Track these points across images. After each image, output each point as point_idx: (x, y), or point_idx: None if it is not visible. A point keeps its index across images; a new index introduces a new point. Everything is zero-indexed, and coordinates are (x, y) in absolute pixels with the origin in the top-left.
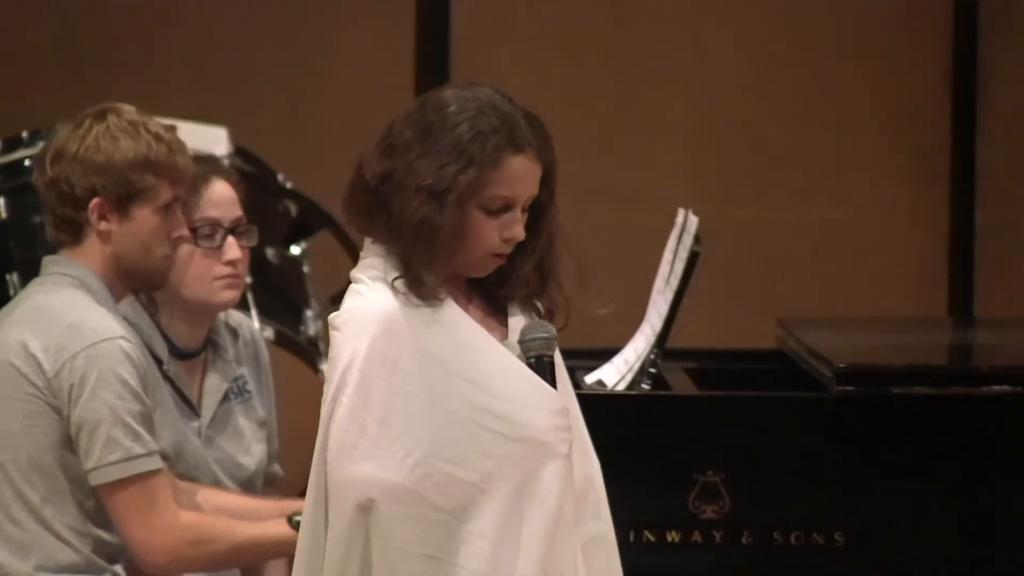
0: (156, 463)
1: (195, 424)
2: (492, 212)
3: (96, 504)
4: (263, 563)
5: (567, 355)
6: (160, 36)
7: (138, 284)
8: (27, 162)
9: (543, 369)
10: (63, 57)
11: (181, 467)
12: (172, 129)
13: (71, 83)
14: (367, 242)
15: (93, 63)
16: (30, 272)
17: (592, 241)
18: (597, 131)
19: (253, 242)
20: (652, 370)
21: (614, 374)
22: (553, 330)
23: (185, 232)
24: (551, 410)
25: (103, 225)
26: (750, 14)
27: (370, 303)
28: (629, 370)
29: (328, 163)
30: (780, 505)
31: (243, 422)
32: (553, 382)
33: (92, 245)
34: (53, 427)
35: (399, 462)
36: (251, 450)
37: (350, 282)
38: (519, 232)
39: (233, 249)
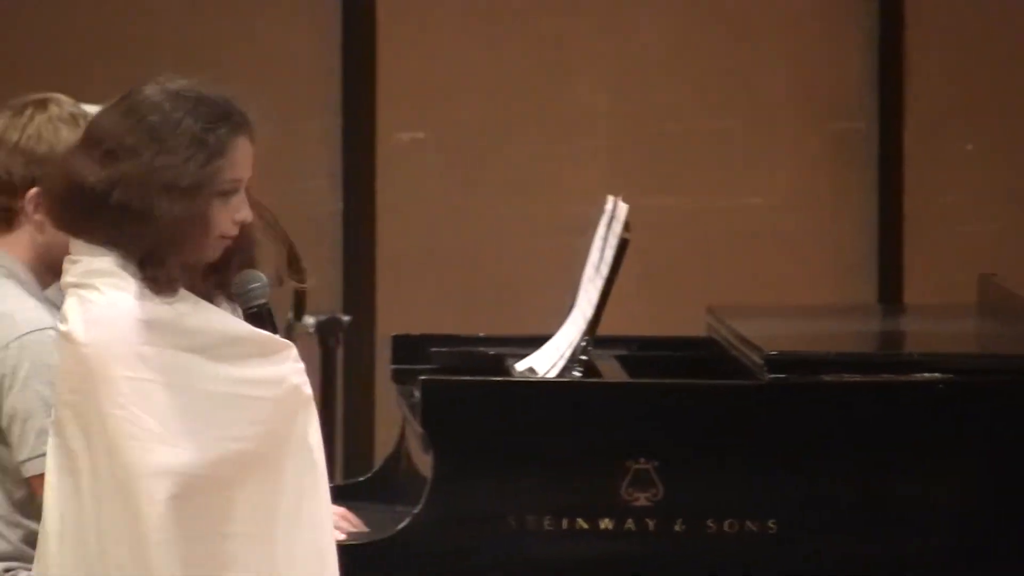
0: None
1: None
2: (225, 196)
3: (26, 494)
4: None
5: (499, 342)
6: (81, 21)
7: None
8: None
9: (263, 317)
10: None
11: None
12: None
13: None
14: (76, 246)
15: (8, 47)
16: None
17: (519, 229)
18: (521, 118)
19: None
20: (583, 357)
21: (545, 361)
22: (264, 278)
23: None
24: (292, 357)
25: (39, 216)
26: (670, 1)
27: (111, 306)
28: (560, 357)
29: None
30: (713, 492)
31: None
32: (276, 326)
33: (24, 235)
34: None
35: (192, 453)
36: None
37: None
38: (247, 213)
39: None
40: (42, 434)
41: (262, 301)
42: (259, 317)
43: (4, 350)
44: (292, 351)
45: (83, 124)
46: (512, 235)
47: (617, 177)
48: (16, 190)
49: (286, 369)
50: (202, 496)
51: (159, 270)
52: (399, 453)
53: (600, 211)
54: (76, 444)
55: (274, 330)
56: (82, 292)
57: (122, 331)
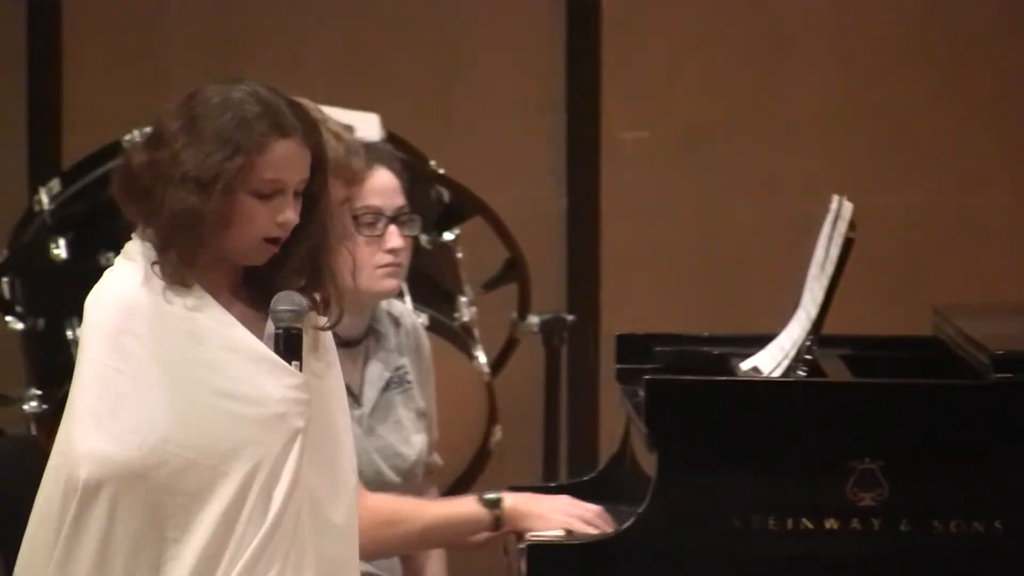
0: None
1: (356, 413)
2: (263, 197)
3: None
4: (424, 554)
5: (723, 341)
6: (304, 22)
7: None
8: None
9: (290, 341)
10: (209, 46)
11: None
12: (350, 130)
13: (217, 70)
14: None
15: (238, 49)
16: None
17: (743, 228)
18: (745, 117)
19: (415, 231)
20: (808, 357)
21: (769, 361)
22: (304, 303)
23: (352, 234)
24: (288, 384)
25: None
26: None
27: (112, 288)
28: (785, 357)
29: (478, 148)
30: (939, 493)
31: (403, 412)
32: (298, 354)
33: None
34: None
35: (135, 449)
36: (411, 440)
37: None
38: (292, 216)
39: (394, 238)
40: None
41: (290, 326)
42: (283, 340)
43: None
44: (295, 379)
45: (324, 132)
46: (736, 234)
47: (842, 175)
48: None
49: (278, 395)
50: (135, 493)
51: (166, 259)
52: (623, 452)
53: (825, 210)
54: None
55: (294, 358)
56: (109, 269)
57: (109, 315)
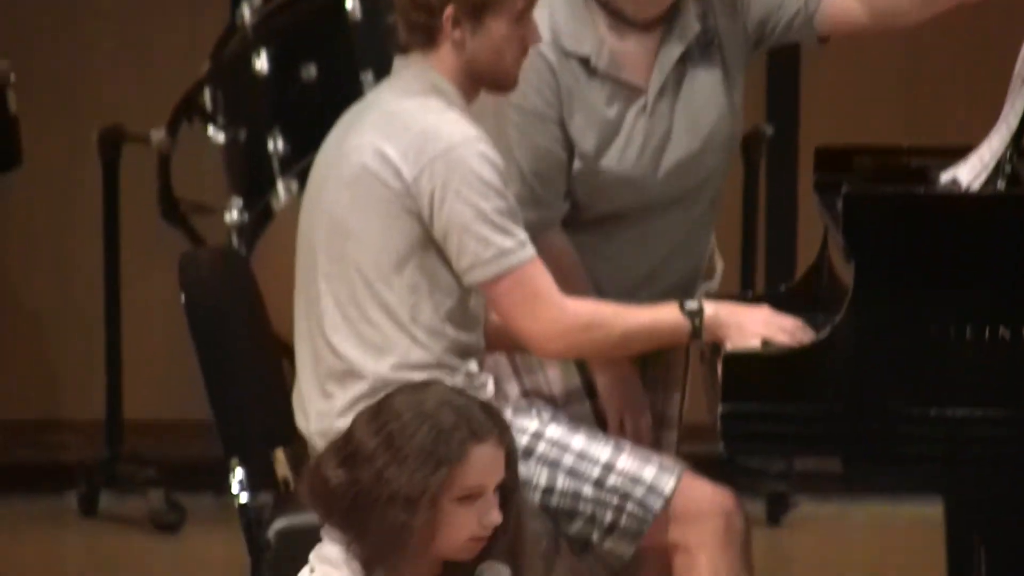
0: (530, 252)
1: (640, 102)
2: (466, 502)
3: (455, 304)
4: None
5: (921, 153)
6: None
7: (488, 87)
8: None
9: None
10: None
11: (604, 162)
12: None
13: None
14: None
15: None
16: (384, 71)
17: (946, 39)
18: None
19: None
20: (1008, 169)
21: (969, 172)
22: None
23: (539, 37)
24: None
25: (456, 33)
26: None
27: None
28: (984, 168)
29: None
30: None
31: (698, 80)
32: None
33: (444, 51)
34: (411, 229)
35: None
36: (705, 108)
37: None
38: (495, 516)
39: None
40: (481, 242)
41: None
42: None
43: (431, 164)
44: None
45: None
46: (938, 44)
47: None
48: (433, 8)
49: None
50: None
51: (377, 573)
52: (821, 263)
53: None
54: None
55: None
56: (307, 571)
57: None
